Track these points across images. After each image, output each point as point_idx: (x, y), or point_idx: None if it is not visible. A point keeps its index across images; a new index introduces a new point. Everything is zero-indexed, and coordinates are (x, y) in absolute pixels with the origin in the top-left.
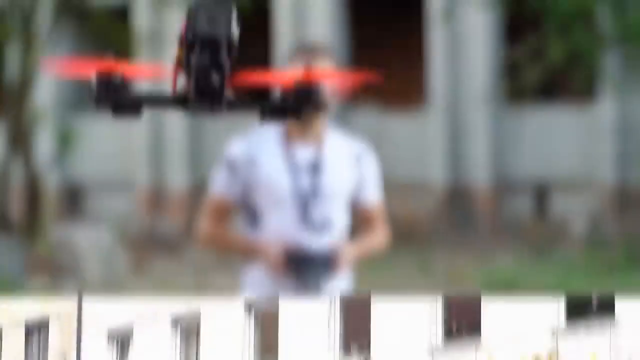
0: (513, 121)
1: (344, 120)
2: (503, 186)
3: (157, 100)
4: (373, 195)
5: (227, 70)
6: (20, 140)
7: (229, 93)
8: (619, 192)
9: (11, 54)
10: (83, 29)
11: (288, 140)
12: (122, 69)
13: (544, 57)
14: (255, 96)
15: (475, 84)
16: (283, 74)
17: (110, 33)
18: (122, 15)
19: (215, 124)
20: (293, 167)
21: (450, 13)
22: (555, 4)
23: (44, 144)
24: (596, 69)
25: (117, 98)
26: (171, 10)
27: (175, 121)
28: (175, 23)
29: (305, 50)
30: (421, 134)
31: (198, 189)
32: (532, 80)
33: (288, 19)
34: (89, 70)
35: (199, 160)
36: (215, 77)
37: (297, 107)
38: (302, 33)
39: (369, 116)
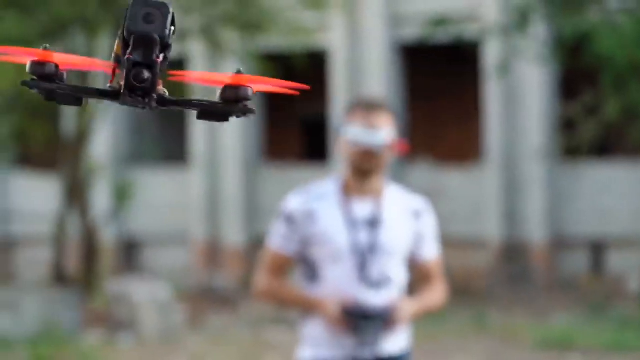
0: (569, 177)
1: (400, 175)
2: (559, 242)
3: (91, 92)
4: (431, 251)
5: (159, 68)
6: (77, 194)
7: (162, 91)
8: None
9: (67, 108)
10: None
11: (346, 195)
12: (57, 58)
13: (599, 113)
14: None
15: (531, 139)
16: (214, 75)
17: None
18: (178, 68)
19: (273, 179)
20: (351, 222)
21: (505, 67)
22: (611, 60)
23: (100, 197)
24: None
25: (49, 89)
26: (226, 62)
27: (232, 175)
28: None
29: (363, 106)
30: (477, 189)
31: (254, 243)
32: (587, 136)
33: (343, 72)
34: (26, 57)
35: (255, 215)
36: (145, 74)
37: (225, 110)
38: (358, 87)
39: (426, 171)
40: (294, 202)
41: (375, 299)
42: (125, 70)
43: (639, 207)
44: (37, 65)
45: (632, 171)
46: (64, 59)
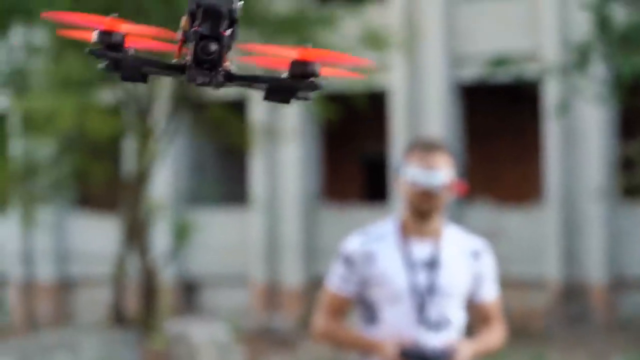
0: (628, 217)
1: (459, 216)
2: (618, 283)
3: (158, 65)
4: (490, 293)
5: (227, 41)
6: (137, 234)
7: (230, 66)
8: None
9: (128, 147)
10: (199, 122)
11: (405, 236)
12: (125, 28)
13: None
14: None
15: (590, 179)
16: (284, 51)
17: (226, 125)
18: (238, 109)
19: (332, 220)
20: (410, 264)
21: (565, 107)
22: None
23: (160, 237)
24: None
25: (116, 58)
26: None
27: (291, 216)
28: (289, 117)
29: (422, 147)
30: (536, 230)
31: (313, 284)
32: None
33: (403, 112)
34: (90, 24)
35: (314, 256)
36: (212, 47)
37: (291, 85)
38: (418, 127)
39: (485, 211)
40: (352, 243)
41: (434, 340)
42: (192, 43)
43: None
44: (104, 34)
45: None
46: (131, 29)
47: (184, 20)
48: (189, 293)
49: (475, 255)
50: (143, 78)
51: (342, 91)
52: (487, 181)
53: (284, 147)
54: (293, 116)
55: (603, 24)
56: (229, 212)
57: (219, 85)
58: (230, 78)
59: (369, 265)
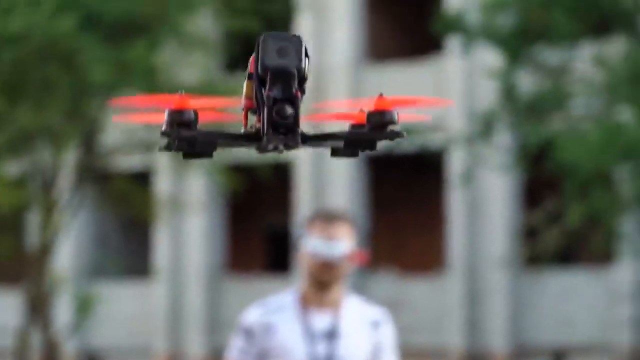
0: (531, 285)
1: (363, 286)
2: (521, 351)
3: (231, 137)
4: None
5: (300, 102)
6: (39, 306)
7: (302, 127)
8: (637, 355)
9: (32, 219)
10: (103, 194)
11: (305, 307)
12: (194, 103)
13: (562, 221)
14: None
15: (494, 247)
16: (354, 106)
17: (130, 197)
18: (143, 180)
19: (236, 291)
20: (309, 334)
21: (469, 176)
22: (574, 168)
23: (63, 310)
24: (614, 233)
25: (191, 136)
26: (190, 175)
27: (194, 287)
28: (194, 188)
29: (323, 218)
30: (439, 299)
31: (216, 356)
32: (550, 244)
33: (308, 182)
34: (159, 105)
35: (217, 327)
36: (289, 109)
37: (372, 137)
38: (322, 198)
39: (388, 282)
40: (252, 315)
41: None
42: (266, 108)
43: (601, 315)
44: (176, 112)
45: (593, 279)
46: (199, 103)
47: (246, 87)
48: None
49: (375, 325)
50: (211, 153)
51: (247, 162)
52: (392, 250)
53: (189, 219)
54: (198, 187)
55: (509, 92)
56: (132, 284)
57: (294, 148)
58: (306, 139)
59: (268, 337)
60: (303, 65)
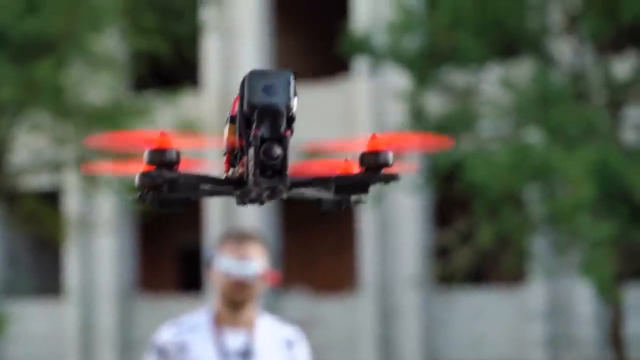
0: (443, 305)
1: (275, 305)
2: None
3: (213, 181)
4: None
5: (289, 142)
6: None
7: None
8: None
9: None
10: (13, 213)
11: (218, 326)
12: (175, 143)
13: (473, 241)
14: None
15: (405, 267)
16: (345, 145)
17: (40, 217)
18: (52, 199)
19: (148, 310)
20: (223, 354)
21: (379, 196)
22: (484, 188)
23: None
24: (525, 253)
25: (173, 178)
26: (100, 194)
27: (106, 307)
28: (104, 207)
29: (234, 237)
30: (352, 318)
31: None
32: (461, 264)
33: (218, 201)
34: (138, 144)
35: (129, 347)
36: (277, 150)
37: (365, 180)
38: (233, 217)
39: (300, 301)
40: (165, 334)
41: None
42: (253, 148)
43: (513, 333)
44: (157, 152)
45: (505, 298)
46: (181, 142)
47: (227, 131)
48: None
49: (290, 344)
50: (182, 204)
51: None
52: (303, 270)
53: (99, 238)
54: (107, 207)
55: (417, 114)
56: (43, 303)
57: (280, 194)
58: (294, 185)
59: (182, 356)
60: (292, 103)
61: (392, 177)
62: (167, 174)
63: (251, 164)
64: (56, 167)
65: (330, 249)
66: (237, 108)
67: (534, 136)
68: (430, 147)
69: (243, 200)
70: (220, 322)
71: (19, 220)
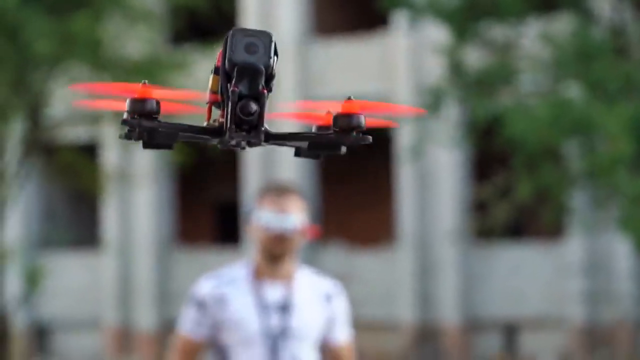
0: (481, 260)
1: (313, 259)
2: (472, 325)
3: (192, 130)
4: (343, 335)
5: (265, 100)
6: None
7: (265, 124)
8: (588, 330)
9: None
10: (50, 166)
11: (257, 279)
12: (157, 94)
13: (511, 196)
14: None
15: (444, 222)
16: (323, 106)
17: (78, 170)
18: (90, 152)
19: (185, 263)
20: (262, 307)
21: (418, 151)
22: (523, 143)
23: (11, 282)
24: (564, 207)
25: (151, 127)
26: (138, 148)
27: (144, 259)
28: (142, 160)
29: (273, 191)
30: (390, 272)
31: (166, 328)
32: (500, 218)
33: (256, 155)
34: (119, 94)
35: (167, 300)
36: (253, 106)
37: (337, 140)
38: (270, 171)
39: (338, 255)
40: (204, 287)
41: None
42: (230, 104)
43: (551, 289)
44: (137, 102)
45: (543, 253)
46: (162, 94)
47: (212, 81)
48: (41, 338)
49: (328, 298)
50: (170, 145)
51: None
52: (340, 224)
53: (137, 191)
54: (146, 160)
55: (456, 68)
56: (81, 256)
57: (256, 145)
58: (269, 137)
59: (221, 308)
60: (271, 63)
61: (362, 140)
62: (146, 123)
63: (228, 117)
64: (93, 120)
65: (368, 203)
66: (220, 62)
67: (573, 91)
68: (402, 115)
69: (224, 146)
70: (259, 275)
71: (56, 173)
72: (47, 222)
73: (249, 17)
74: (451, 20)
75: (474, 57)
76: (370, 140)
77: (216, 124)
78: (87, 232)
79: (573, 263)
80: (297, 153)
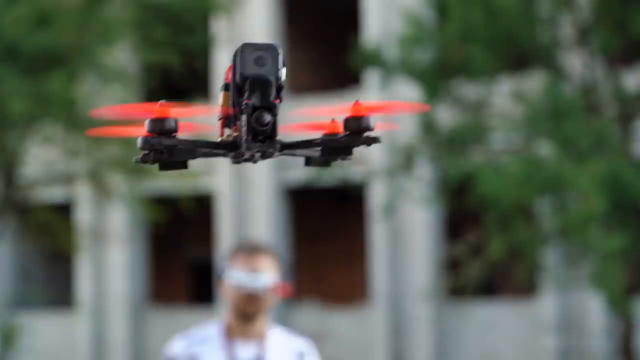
0: (455, 317)
1: (286, 317)
2: None
3: (209, 146)
4: None
5: (278, 110)
6: None
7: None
8: None
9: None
10: (25, 225)
11: (229, 339)
12: (174, 112)
13: (484, 253)
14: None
15: (417, 279)
16: (330, 112)
17: (52, 229)
18: (64, 211)
19: (159, 322)
20: None
21: (391, 208)
22: (495, 201)
23: None
24: (537, 265)
25: (172, 144)
26: (111, 207)
27: (118, 319)
28: (116, 220)
29: (245, 250)
30: (364, 331)
31: None
32: (472, 276)
33: (230, 214)
34: (139, 114)
35: (141, 358)
36: (267, 117)
37: (349, 143)
38: (244, 229)
39: (312, 313)
40: (176, 347)
41: None
42: (245, 116)
43: (525, 346)
44: (157, 121)
45: (517, 310)
46: (178, 112)
47: (222, 98)
48: None
49: (301, 356)
50: (186, 164)
51: (169, 194)
52: (314, 282)
53: (111, 251)
54: (119, 219)
55: (428, 126)
56: (56, 316)
57: (271, 156)
58: (284, 147)
59: None
60: (280, 74)
61: (373, 140)
62: (166, 140)
63: (243, 130)
64: (68, 179)
65: (341, 261)
66: (230, 77)
67: (545, 149)
68: (410, 112)
69: (237, 161)
70: (231, 334)
71: (31, 232)
72: (22, 282)
73: (222, 75)
74: (422, 79)
75: (446, 115)
76: (381, 141)
77: (230, 139)
78: (62, 292)
79: (546, 320)
80: (308, 162)
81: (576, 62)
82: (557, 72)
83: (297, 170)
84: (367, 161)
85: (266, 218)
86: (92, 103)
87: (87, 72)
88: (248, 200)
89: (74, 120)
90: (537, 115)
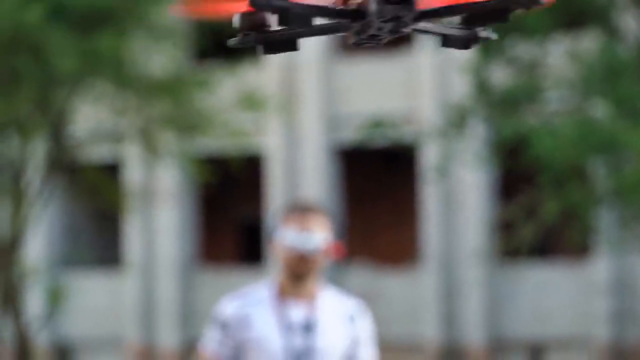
0: (507, 279)
1: (338, 278)
2: (497, 345)
3: (327, 12)
4: (367, 356)
5: None
6: (11, 298)
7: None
8: (614, 349)
9: (1, 210)
10: (73, 185)
11: (281, 299)
12: None
13: (537, 215)
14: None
15: (469, 241)
16: None
17: (101, 189)
18: (112, 171)
19: (208, 282)
20: (286, 327)
21: (443, 170)
22: (549, 162)
23: (34, 301)
24: (590, 227)
25: (284, 6)
26: (161, 167)
27: (167, 279)
28: (165, 179)
29: (298, 210)
30: (414, 292)
31: (189, 347)
32: (526, 238)
33: (280, 174)
34: None
35: (190, 319)
36: None
37: (504, 5)
38: (295, 190)
39: (362, 274)
40: (227, 307)
41: None
42: None
43: (577, 308)
44: None
45: (570, 272)
46: None
47: None
48: (64, 357)
49: (352, 318)
50: (293, 44)
51: (218, 154)
52: (365, 244)
53: (160, 211)
54: (168, 179)
55: (482, 86)
56: (104, 275)
57: (403, 28)
58: (423, 14)
59: (244, 329)
60: None
61: (533, 2)
62: (277, 2)
63: None
64: (117, 138)
65: (391, 223)
66: None
67: (599, 109)
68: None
69: (360, 38)
70: (283, 295)
71: (79, 192)
72: (70, 242)
73: None
74: None
75: (500, 75)
76: (541, 2)
77: (353, 5)
78: (110, 252)
79: (599, 283)
80: (445, 42)
81: (632, 23)
82: (612, 32)
83: (349, 130)
84: (418, 121)
85: (317, 179)
86: (142, 61)
87: (137, 30)
88: (299, 161)
89: (123, 78)
90: (591, 75)
